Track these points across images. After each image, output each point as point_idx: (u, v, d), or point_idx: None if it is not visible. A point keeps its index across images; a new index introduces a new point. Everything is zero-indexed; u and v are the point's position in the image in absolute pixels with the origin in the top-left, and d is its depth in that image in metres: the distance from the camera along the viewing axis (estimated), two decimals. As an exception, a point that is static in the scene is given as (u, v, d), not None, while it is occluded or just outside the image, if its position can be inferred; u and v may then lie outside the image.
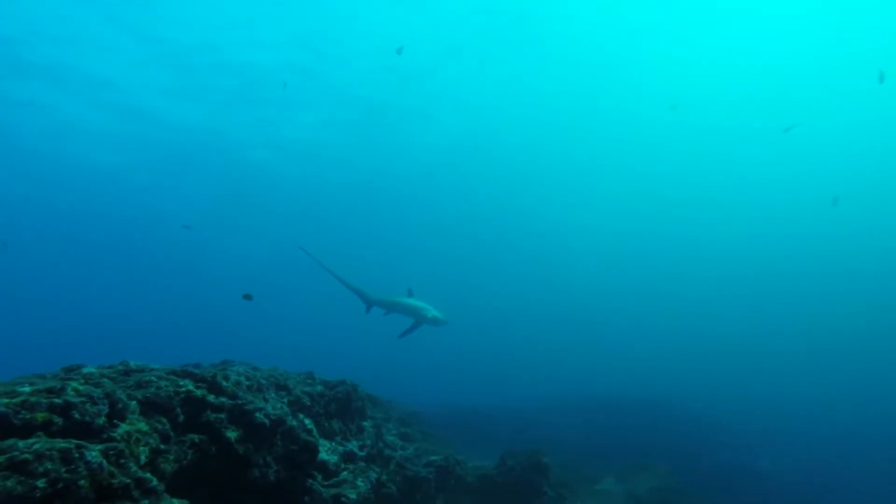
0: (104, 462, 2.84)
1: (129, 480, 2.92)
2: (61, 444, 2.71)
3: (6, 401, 3.01)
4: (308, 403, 7.28)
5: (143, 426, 3.85)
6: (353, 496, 5.90)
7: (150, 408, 4.09)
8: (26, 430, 2.95)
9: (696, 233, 47.11)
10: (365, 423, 9.23)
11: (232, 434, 4.80)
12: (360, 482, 6.55)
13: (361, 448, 7.94)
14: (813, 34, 26.30)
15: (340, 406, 7.93)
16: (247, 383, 5.67)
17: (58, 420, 3.14)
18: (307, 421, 7.05)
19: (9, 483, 2.44)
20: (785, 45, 27.16)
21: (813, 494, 15.93)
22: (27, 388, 3.22)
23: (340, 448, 7.37)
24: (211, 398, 4.71)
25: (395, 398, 17.54)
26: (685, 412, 19.46)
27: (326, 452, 6.86)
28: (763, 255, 47.61)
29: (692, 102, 30.54)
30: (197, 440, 4.48)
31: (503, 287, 54.08)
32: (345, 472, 6.81)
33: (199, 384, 4.73)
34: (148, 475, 3.15)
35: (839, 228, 41.12)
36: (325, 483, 6.37)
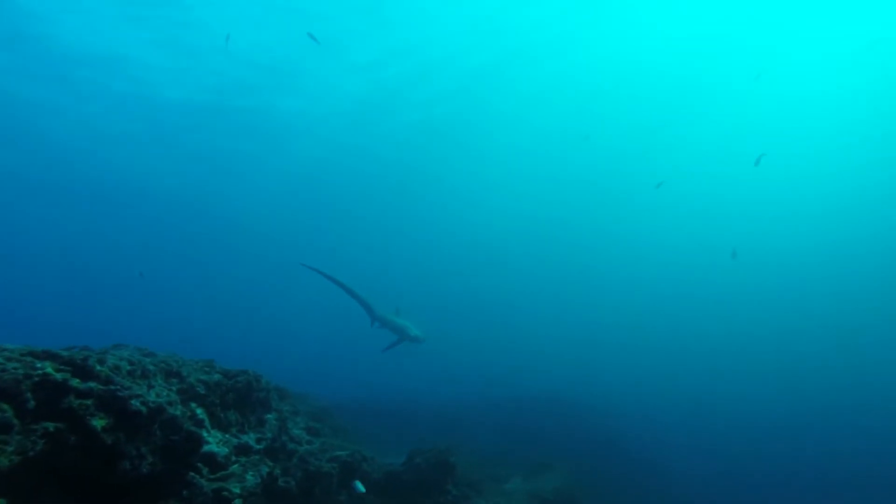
0: None
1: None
2: None
3: None
4: (202, 392, 6.92)
5: (-16, 410, 3.48)
6: (237, 490, 5.64)
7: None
8: None
9: (606, 233, 49.26)
10: (268, 416, 8.92)
11: (99, 422, 4.45)
12: (249, 476, 6.29)
13: (259, 441, 7.65)
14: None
15: (239, 396, 7.61)
16: (128, 368, 5.30)
17: None
18: (199, 410, 6.72)
19: None
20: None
21: (713, 488, 17.26)
22: None
23: (234, 440, 7.06)
24: (75, 382, 4.34)
25: (316, 392, 17.16)
26: (592, 413, 20.30)
27: (217, 444, 6.56)
28: (672, 257, 50.34)
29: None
30: (52, 429, 4.12)
31: (428, 288, 54.59)
32: (235, 466, 6.53)
33: (63, 367, 4.35)
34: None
35: (729, 225, 44.25)
36: (211, 476, 6.07)
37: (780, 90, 30.67)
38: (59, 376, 4.20)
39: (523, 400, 20.56)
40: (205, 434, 6.51)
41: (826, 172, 38.47)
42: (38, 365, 4.12)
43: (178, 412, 5.41)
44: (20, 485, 3.49)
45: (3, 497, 2.97)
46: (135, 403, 4.77)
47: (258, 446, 7.47)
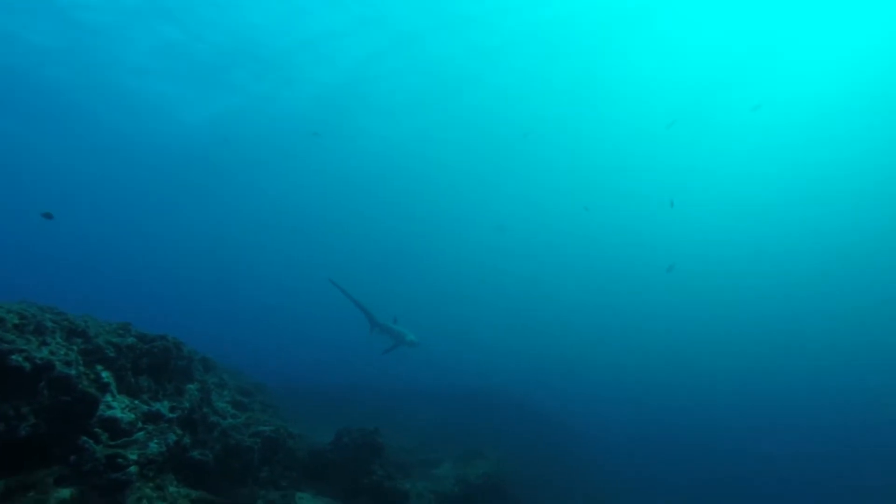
0: None
1: None
2: None
3: None
4: (112, 355, 6.57)
5: None
6: (134, 457, 5.38)
7: None
8: None
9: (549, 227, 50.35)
10: (189, 386, 8.60)
11: (-30, 375, 4.14)
12: (153, 444, 6.03)
13: (173, 410, 7.35)
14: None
15: (155, 362, 7.28)
16: (16, 321, 4.95)
17: None
18: (105, 374, 6.39)
19: None
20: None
21: (635, 473, 18.30)
22: None
23: (144, 407, 6.75)
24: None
25: (253, 370, 16.84)
26: (525, 403, 20.78)
27: (122, 410, 6.24)
28: (609, 253, 51.92)
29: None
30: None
31: (373, 278, 55.23)
32: (140, 433, 6.24)
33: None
34: None
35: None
36: (110, 443, 5.78)
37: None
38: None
39: (461, 390, 20.81)
40: (108, 398, 6.20)
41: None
42: None
43: (73, 372, 5.10)
44: None
45: None
46: (16, 358, 4.46)
47: (171, 415, 7.17)
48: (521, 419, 18.28)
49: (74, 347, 5.88)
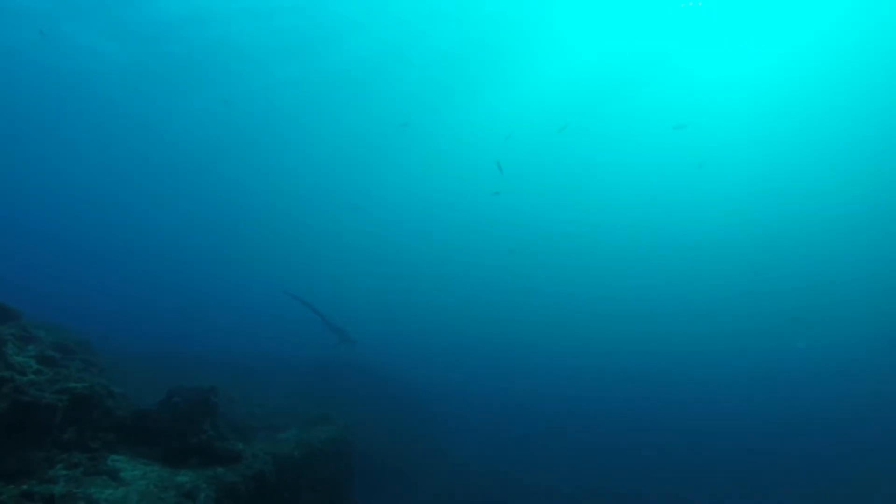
0: None
1: None
2: None
3: None
4: None
5: None
6: None
7: None
8: None
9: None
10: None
11: None
12: None
13: (-58, 357, 6.45)
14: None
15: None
16: None
17: None
18: None
19: None
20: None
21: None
22: None
23: None
24: None
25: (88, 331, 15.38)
26: (380, 375, 21.45)
27: None
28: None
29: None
30: None
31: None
32: None
33: None
34: None
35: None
36: None
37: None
38: None
39: (317, 360, 20.75)
40: None
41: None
42: None
43: None
44: None
45: None
46: None
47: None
48: (375, 391, 18.72)
49: None
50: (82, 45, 28.51)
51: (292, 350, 23.26)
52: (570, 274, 58.49)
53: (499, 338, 50.70)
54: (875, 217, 43.70)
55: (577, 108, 34.36)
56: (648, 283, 57.77)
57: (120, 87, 32.71)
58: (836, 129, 36.47)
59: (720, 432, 27.03)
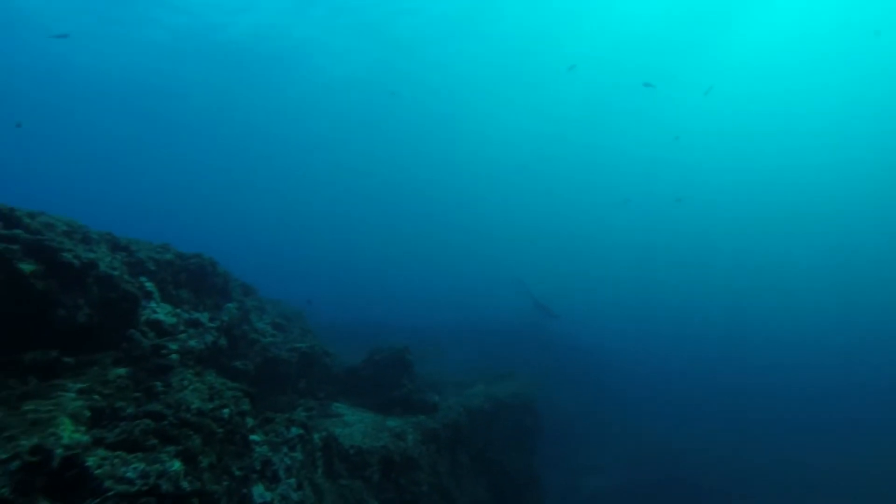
0: None
1: None
2: None
3: None
4: (153, 269, 7.33)
5: None
6: (175, 347, 6.13)
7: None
8: None
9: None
10: (228, 305, 9.40)
11: (27, 267, 4.83)
12: (192, 341, 6.79)
13: (212, 320, 8.14)
14: None
15: (192, 277, 8.04)
16: (64, 228, 5.64)
17: None
18: (148, 284, 7.14)
19: None
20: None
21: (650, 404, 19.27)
22: None
23: (185, 315, 7.53)
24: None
25: (294, 301, 17.99)
26: (557, 337, 21.49)
27: (164, 315, 7.01)
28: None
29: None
30: (-16, 264, 4.50)
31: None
32: (181, 335, 7.02)
33: (-11, 211, 4.69)
34: None
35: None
36: (155, 340, 6.56)
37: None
38: (-17, 216, 4.54)
39: (497, 324, 21.53)
40: (153, 305, 6.97)
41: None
42: (-37, 205, 4.45)
43: (116, 273, 5.79)
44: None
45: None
46: (66, 255, 5.14)
47: (210, 324, 7.95)
48: (551, 350, 18.93)
49: (119, 260, 6.60)
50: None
51: (473, 318, 24.57)
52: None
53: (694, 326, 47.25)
54: None
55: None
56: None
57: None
58: None
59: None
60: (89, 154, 47.80)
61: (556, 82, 33.93)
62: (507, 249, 59.68)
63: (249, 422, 5.78)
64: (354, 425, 9.11)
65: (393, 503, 8.36)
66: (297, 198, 60.60)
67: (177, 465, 4.42)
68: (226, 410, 5.20)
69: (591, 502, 15.52)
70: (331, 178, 54.72)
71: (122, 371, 5.37)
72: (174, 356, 6.01)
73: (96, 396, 4.55)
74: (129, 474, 3.85)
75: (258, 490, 5.45)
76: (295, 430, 6.34)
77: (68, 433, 3.63)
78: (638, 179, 47.98)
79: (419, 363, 12.88)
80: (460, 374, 15.30)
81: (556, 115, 38.53)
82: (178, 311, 7.51)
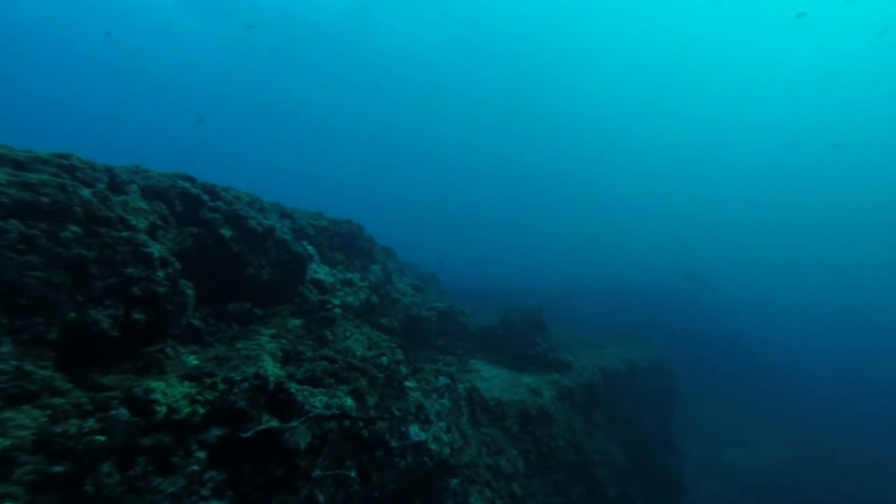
0: (94, 199, 3.74)
1: (112, 215, 3.84)
2: (59, 179, 3.61)
3: (26, 154, 3.94)
4: (312, 234, 8.26)
5: (142, 204, 4.79)
6: (337, 302, 6.93)
7: (149, 193, 5.03)
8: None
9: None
10: (374, 266, 10.28)
11: (227, 233, 5.76)
12: (350, 298, 7.60)
13: (362, 280, 8.99)
14: None
15: (344, 241, 8.90)
16: (246, 199, 6.57)
17: (66, 175, 4.06)
18: (310, 248, 8.07)
19: (23, 193, 3.37)
20: None
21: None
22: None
23: (340, 275, 8.42)
24: (206, 198, 5.62)
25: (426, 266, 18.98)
26: (689, 302, 20.22)
27: (325, 274, 7.91)
28: None
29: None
30: (196, 231, 5.47)
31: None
32: (339, 292, 7.88)
33: (197, 187, 5.63)
34: (132, 219, 4.07)
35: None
36: (320, 296, 7.45)
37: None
38: (194, 191, 5.48)
39: (632, 288, 20.79)
40: (314, 266, 7.90)
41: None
42: (180, 182, 5.41)
43: (287, 237, 6.66)
44: (189, 277, 4.81)
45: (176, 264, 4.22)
46: (252, 222, 6.02)
47: (361, 283, 8.80)
48: (696, 320, 17.95)
49: (287, 226, 7.54)
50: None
51: (608, 281, 24.04)
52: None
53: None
54: None
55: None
56: None
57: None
58: None
59: None
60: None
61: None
62: (651, 220, 57.52)
63: (403, 370, 6.40)
64: (492, 380, 9.57)
65: (530, 454, 8.74)
66: (429, 161, 62.81)
67: (349, 401, 5.11)
68: (384, 358, 5.82)
69: (730, 477, 14.76)
70: (462, 140, 55.83)
71: (297, 322, 6.23)
72: (337, 310, 6.81)
73: (284, 341, 5.37)
74: (317, 404, 4.56)
75: (414, 429, 6.07)
76: (443, 380, 6.88)
77: (271, 367, 4.38)
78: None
79: (552, 324, 13.01)
80: (594, 336, 15.20)
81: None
82: (335, 271, 8.42)
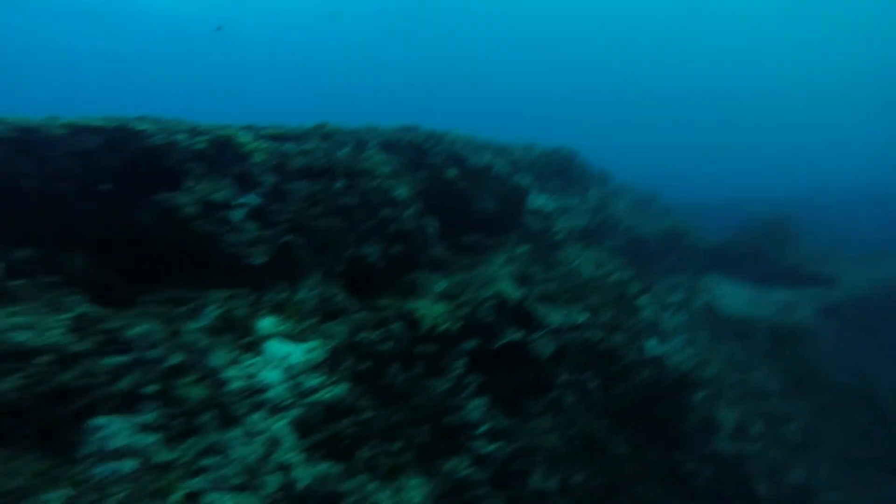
0: (349, 157, 4.53)
1: (364, 168, 4.60)
2: (324, 143, 4.47)
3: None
4: (526, 166, 8.48)
5: (382, 157, 5.57)
6: (559, 227, 7.11)
7: (384, 148, 5.80)
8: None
9: None
10: (591, 191, 10.15)
11: (451, 173, 6.33)
12: (571, 223, 7.71)
13: (581, 204, 8.98)
14: None
15: (557, 170, 8.94)
16: (463, 141, 7.06)
17: (325, 141, 4.99)
18: (526, 179, 8.34)
19: (305, 159, 4.28)
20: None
21: None
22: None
23: (558, 202, 8.53)
24: (430, 145, 6.23)
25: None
26: None
27: (544, 202, 8.12)
28: None
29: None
30: (426, 175, 6.14)
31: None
32: (561, 218, 8.03)
33: (420, 135, 6.28)
34: (378, 170, 4.79)
35: None
36: (542, 223, 7.72)
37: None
38: (419, 140, 6.14)
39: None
40: (532, 195, 8.15)
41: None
42: (407, 134, 6.11)
43: (503, 172, 7.00)
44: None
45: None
46: (471, 161, 6.49)
47: (580, 208, 8.80)
48: None
49: (502, 161, 7.89)
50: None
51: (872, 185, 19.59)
52: None
53: None
54: None
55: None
56: None
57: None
58: None
59: None
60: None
61: None
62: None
63: (635, 287, 6.34)
64: (733, 296, 8.82)
65: (787, 373, 7.89)
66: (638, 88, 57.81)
67: (584, 316, 5.32)
68: (616, 275, 5.84)
69: None
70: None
71: (524, 248, 6.59)
72: (560, 235, 7.00)
73: (516, 265, 5.78)
74: (554, 319, 4.87)
75: (651, 343, 6.02)
76: (677, 295, 6.62)
77: (510, 288, 4.81)
78: None
79: (797, 238, 11.23)
80: (862, 247, 12.66)
81: None
82: (552, 198, 8.56)
